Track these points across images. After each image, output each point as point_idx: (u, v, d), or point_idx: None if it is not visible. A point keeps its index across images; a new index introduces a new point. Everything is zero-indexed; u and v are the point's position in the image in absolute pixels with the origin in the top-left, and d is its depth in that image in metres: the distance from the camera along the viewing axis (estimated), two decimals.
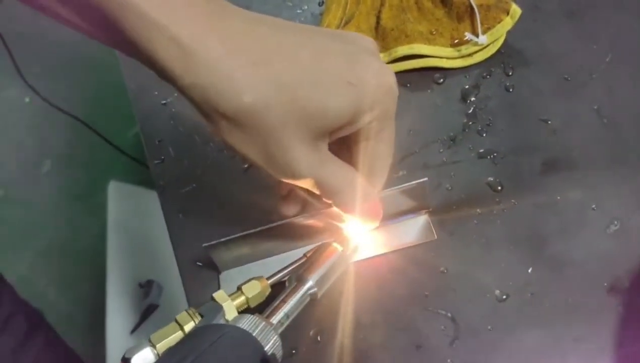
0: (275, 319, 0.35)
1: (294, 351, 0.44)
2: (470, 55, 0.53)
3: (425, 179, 0.44)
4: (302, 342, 0.44)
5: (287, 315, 0.36)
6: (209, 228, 0.48)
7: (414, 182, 0.44)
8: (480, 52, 0.54)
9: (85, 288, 1.37)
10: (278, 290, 0.39)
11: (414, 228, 0.48)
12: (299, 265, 0.41)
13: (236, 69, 0.28)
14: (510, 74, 0.53)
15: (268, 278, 0.40)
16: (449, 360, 0.43)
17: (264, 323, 0.33)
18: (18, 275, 1.40)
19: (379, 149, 0.36)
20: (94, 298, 1.24)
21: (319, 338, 0.45)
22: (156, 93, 0.59)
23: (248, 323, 0.33)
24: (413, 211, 0.48)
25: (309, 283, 0.38)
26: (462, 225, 0.47)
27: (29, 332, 0.80)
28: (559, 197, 0.47)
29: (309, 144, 0.32)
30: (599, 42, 0.53)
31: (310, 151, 0.32)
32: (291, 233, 0.45)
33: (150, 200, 1.24)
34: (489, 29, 0.52)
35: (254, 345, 0.32)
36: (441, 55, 0.53)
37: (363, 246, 0.46)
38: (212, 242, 0.44)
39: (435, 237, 0.46)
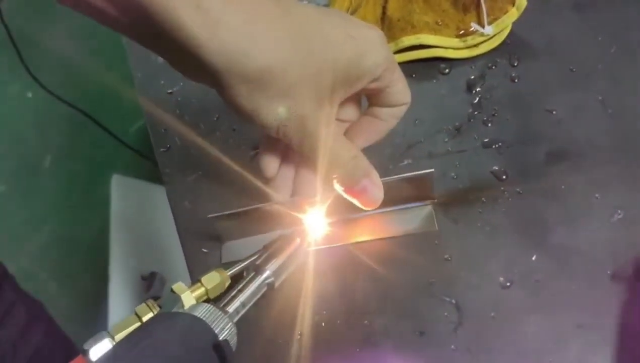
0: (231, 308, 0.36)
1: (299, 335, 0.44)
2: (475, 45, 0.54)
3: (432, 169, 0.44)
4: (307, 327, 0.45)
5: (243, 304, 0.37)
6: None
7: (420, 172, 0.44)
8: (486, 43, 0.54)
9: (88, 281, 1.37)
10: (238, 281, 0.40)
11: (416, 217, 0.48)
12: (258, 256, 0.41)
13: (259, 30, 0.30)
14: (516, 64, 0.53)
15: (228, 270, 0.41)
16: (452, 347, 0.43)
17: (218, 311, 0.34)
18: (20, 269, 1.40)
19: (398, 88, 0.38)
20: (96, 291, 1.25)
21: (323, 324, 0.45)
22: (162, 82, 0.59)
23: (203, 311, 0.34)
24: (417, 200, 0.48)
25: (266, 273, 0.39)
26: (466, 213, 0.47)
27: (30, 322, 0.80)
28: (563, 186, 0.47)
29: (320, 102, 0.34)
30: (604, 33, 0.53)
31: (319, 109, 0.34)
32: (287, 214, 0.46)
33: (154, 193, 1.24)
34: (494, 19, 0.53)
35: (208, 332, 0.33)
36: (447, 45, 0.54)
37: (363, 229, 0.47)
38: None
39: (437, 228, 0.47)
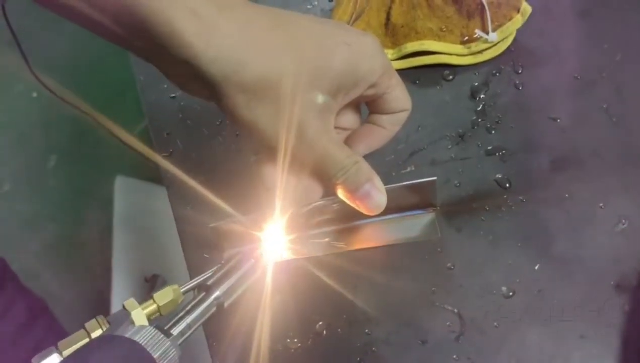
0: (176, 330, 0.35)
1: (299, 344, 0.44)
2: (480, 52, 0.53)
3: (435, 177, 0.44)
4: (308, 335, 0.44)
5: (189, 326, 0.36)
6: (217, 221, 0.48)
7: (423, 180, 0.44)
8: (490, 50, 0.53)
9: (91, 283, 1.37)
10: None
11: (418, 225, 0.48)
12: (210, 275, 0.41)
13: (254, 39, 0.30)
14: (520, 71, 0.53)
15: (182, 286, 0.40)
16: (454, 356, 0.43)
17: (160, 335, 0.33)
18: (23, 268, 1.40)
19: (396, 94, 0.37)
20: (99, 293, 1.25)
21: (324, 333, 0.45)
22: (165, 86, 0.59)
23: (144, 335, 0.33)
24: (420, 207, 0.48)
25: (216, 294, 0.38)
26: (469, 221, 0.47)
27: (31, 319, 0.80)
28: (567, 195, 0.47)
29: (318, 109, 0.33)
30: (609, 41, 0.53)
31: (318, 116, 0.33)
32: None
33: (157, 195, 1.24)
34: (499, 26, 0.52)
35: (145, 358, 0.32)
36: (451, 52, 0.53)
37: (365, 237, 0.47)
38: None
39: (439, 235, 0.47)
